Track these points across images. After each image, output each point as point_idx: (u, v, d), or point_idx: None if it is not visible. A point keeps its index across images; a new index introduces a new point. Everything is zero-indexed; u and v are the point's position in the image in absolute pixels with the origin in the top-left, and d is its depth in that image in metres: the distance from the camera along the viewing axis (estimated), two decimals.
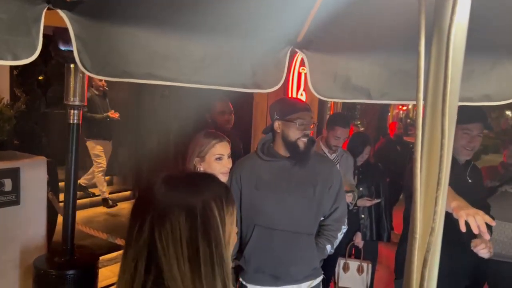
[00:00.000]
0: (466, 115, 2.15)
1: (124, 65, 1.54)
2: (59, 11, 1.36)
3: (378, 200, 3.66)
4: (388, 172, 6.51)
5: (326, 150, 3.47)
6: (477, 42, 1.67)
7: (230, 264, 0.96)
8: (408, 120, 24.45)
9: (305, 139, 2.17)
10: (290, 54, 2.01)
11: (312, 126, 2.19)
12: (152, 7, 1.56)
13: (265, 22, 1.74)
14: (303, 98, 6.64)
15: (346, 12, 1.61)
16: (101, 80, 5.78)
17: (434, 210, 0.57)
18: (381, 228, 3.77)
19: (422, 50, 0.63)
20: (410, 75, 1.78)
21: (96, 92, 5.98)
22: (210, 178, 1.02)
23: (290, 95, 6.46)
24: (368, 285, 3.72)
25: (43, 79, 6.31)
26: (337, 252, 3.33)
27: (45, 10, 1.30)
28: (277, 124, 2.22)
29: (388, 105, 14.55)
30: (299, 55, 2.11)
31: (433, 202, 0.58)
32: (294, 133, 2.17)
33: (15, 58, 1.22)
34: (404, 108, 23.98)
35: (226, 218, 0.96)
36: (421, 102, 0.65)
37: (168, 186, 0.94)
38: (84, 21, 1.41)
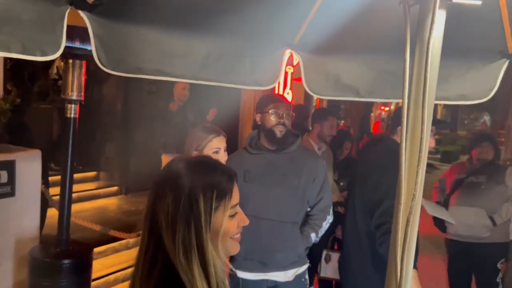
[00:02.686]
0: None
1: (137, 62, 1.68)
2: (80, 11, 1.48)
3: None
4: None
5: (316, 147, 3.60)
6: (453, 49, 1.87)
7: (212, 254, 0.99)
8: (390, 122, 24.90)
9: (281, 127, 2.35)
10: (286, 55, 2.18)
11: (292, 118, 2.38)
12: (163, 9, 1.69)
13: (265, 25, 1.89)
14: (289, 96, 6.82)
15: (338, 18, 1.78)
16: (183, 89, 5.31)
17: (415, 181, 0.74)
18: None
19: (407, 58, 0.79)
20: (395, 75, 1.96)
21: (181, 104, 5.44)
22: (211, 168, 1.07)
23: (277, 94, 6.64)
24: None
25: (31, 73, 6.27)
26: (321, 244, 3.48)
27: (68, 10, 1.43)
28: (258, 118, 2.42)
29: (371, 106, 14.86)
30: (286, 55, 2.28)
31: (415, 174, 0.75)
32: (269, 122, 2.36)
33: (43, 54, 1.35)
34: (386, 109, 24.45)
35: (216, 209, 1.00)
36: (406, 99, 0.82)
37: (174, 167, 1.05)
38: (102, 21, 1.54)
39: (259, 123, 2.43)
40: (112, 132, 7.17)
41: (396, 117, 2.52)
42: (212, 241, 1.01)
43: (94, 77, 6.59)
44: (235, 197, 1.08)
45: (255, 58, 2.05)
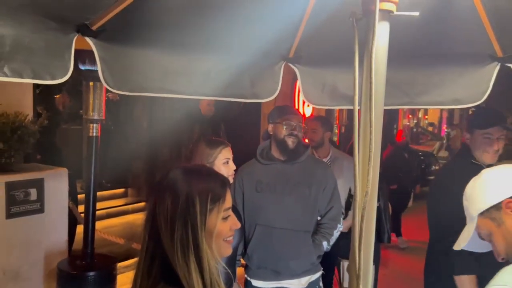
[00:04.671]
0: (485, 120, 2.26)
1: (141, 81, 1.82)
2: (87, 38, 1.63)
3: (377, 205, 3.79)
4: (396, 179, 6.66)
5: (316, 155, 3.55)
6: (445, 54, 1.92)
7: (207, 252, 1.08)
8: (419, 129, 24.40)
9: (293, 138, 2.41)
10: (285, 69, 2.28)
11: (302, 130, 2.43)
12: (163, 30, 1.83)
13: (261, 41, 2.00)
14: (309, 110, 6.90)
15: (328, 29, 1.87)
16: (208, 105, 5.36)
17: (367, 178, 0.81)
18: (381, 230, 3.92)
19: (356, 66, 0.87)
20: (389, 83, 2.01)
21: (208, 117, 5.47)
22: (206, 174, 1.19)
23: (296, 108, 6.73)
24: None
25: (60, 97, 6.62)
26: (340, 254, 3.46)
27: (75, 38, 1.58)
28: (270, 128, 2.49)
29: (396, 114, 14.69)
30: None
31: (366, 173, 0.81)
32: (281, 133, 2.42)
33: (53, 78, 1.50)
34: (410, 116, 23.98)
35: (211, 211, 1.10)
36: (357, 104, 0.89)
37: (173, 173, 1.15)
38: (106, 45, 1.69)
39: (271, 133, 2.49)
40: (139, 150, 7.39)
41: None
42: (206, 240, 1.10)
43: (123, 98, 6.86)
44: (228, 201, 1.17)
45: (253, 72, 2.15)
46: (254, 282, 2.52)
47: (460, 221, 1.43)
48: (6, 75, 1.37)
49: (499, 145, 2.27)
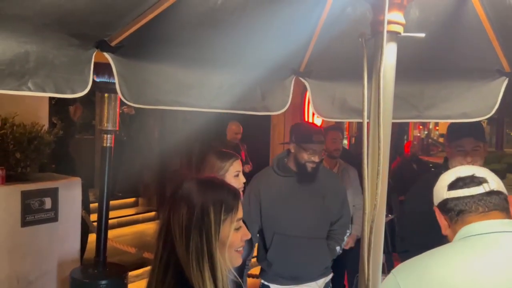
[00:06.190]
0: (457, 132, 2.19)
1: (156, 94, 1.88)
2: (105, 53, 1.70)
3: (392, 217, 3.80)
4: (406, 191, 6.63)
5: (327, 166, 3.62)
6: (453, 69, 1.96)
7: (221, 261, 1.11)
8: (430, 140, 24.19)
9: (313, 164, 2.46)
10: (294, 82, 2.33)
11: (322, 154, 2.48)
12: (177, 47, 1.90)
13: (273, 56, 2.06)
14: (319, 121, 6.93)
15: (338, 45, 1.92)
16: (236, 133, 5.35)
17: (376, 192, 0.84)
18: (395, 240, 3.91)
19: (365, 84, 0.91)
20: (398, 97, 2.04)
21: (235, 141, 5.45)
22: (219, 186, 1.23)
23: (306, 119, 6.78)
24: None
25: (74, 107, 6.74)
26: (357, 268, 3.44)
27: (95, 53, 1.65)
28: (291, 147, 2.51)
29: (406, 125, 14.62)
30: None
31: (375, 186, 0.85)
32: (303, 158, 2.45)
33: (73, 92, 1.57)
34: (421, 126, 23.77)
35: (224, 221, 1.13)
36: (366, 119, 0.93)
37: (187, 185, 1.19)
38: (124, 60, 1.76)
39: (292, 151, 2.51)
40: (150, 160, 7.47)
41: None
42: (220, 250, 1.14)
43: (136, 110, 6.96)
44: (240, 212, 1.21)
45: (265, 86, 2.21)
46: (273, 286, 2.58)
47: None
48: (30, 90, 1.44)
49: (474, 157, 2.15)
